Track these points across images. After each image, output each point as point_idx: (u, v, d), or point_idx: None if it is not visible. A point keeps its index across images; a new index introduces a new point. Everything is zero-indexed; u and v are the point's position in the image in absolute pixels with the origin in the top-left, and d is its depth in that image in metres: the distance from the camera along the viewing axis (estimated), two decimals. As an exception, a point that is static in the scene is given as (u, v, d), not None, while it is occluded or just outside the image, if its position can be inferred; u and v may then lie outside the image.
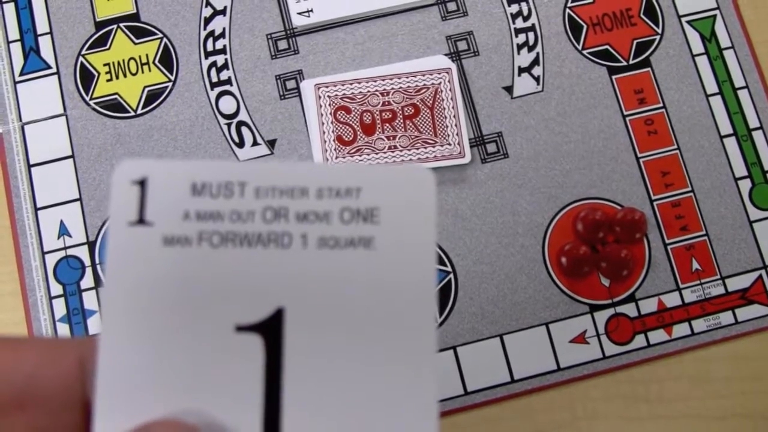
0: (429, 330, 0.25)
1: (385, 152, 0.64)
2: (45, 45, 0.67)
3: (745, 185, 0.66)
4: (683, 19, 0.68)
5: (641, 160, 0.66)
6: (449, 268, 0.64)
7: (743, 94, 0.67)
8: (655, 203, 0.65)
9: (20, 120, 0.66)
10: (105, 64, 0.67)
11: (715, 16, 0.69)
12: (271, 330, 0.25)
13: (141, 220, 0.28)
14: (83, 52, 0.67)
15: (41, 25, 0.68)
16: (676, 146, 0.66)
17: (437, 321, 0.24)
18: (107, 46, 0.67)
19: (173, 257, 0.26)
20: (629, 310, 0.64)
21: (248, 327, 0.26)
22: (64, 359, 0.30)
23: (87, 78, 0.67)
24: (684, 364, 0.63)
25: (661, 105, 0.67)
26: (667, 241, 0.65)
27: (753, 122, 0.67)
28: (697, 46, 0.68)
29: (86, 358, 0.30)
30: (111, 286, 0.27)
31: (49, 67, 0.67)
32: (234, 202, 0.27)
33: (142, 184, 0.27)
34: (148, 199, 0.27)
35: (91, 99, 0.66)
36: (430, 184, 0.27)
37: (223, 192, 0.27)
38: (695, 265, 0.64)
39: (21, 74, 0.67)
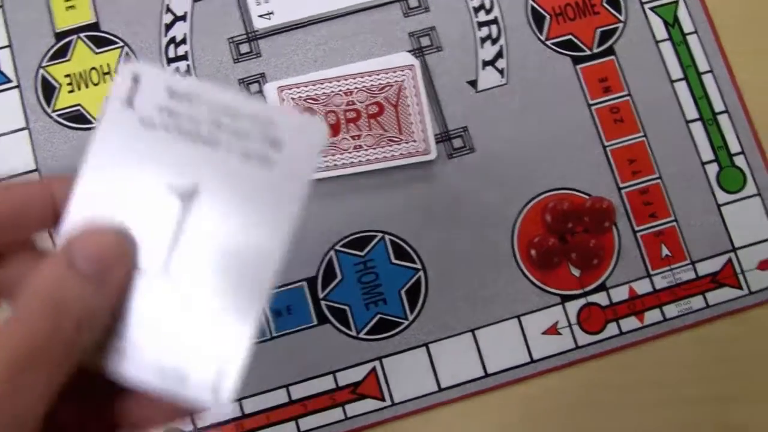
0: (291, 211, 0.38)
1: (350, 152, 0.64)
2: (4, 58, 0.67)
3: (713, 169, 0.66)
4: (646, 6, 0.68)
5: (608, 149, 0.66)
6: (419, 265, 0.64)
7: (708, 79, 0.67)
8: (623, 191, 0.65)
9: (-16, 135, 0.66)
10: (66, 76, 0.67)
11: (677, 2, 0.68)
12: (186, 196, 0.37)
13: (129, 103, 0.38)
14: (44, 64, 0.67)
15: (0, 39, 0.68)
16: (642, 133, 0.66)
17: (301, 202, 0.35)
18: (68, 57, 0.67)
19: (142, 132, 0.38)
20: (600, 299, 0.64)
21: (175, 188, 0.37)
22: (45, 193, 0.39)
23: (48, 90, 0.67)
24: (657, 350, 0.63)
25: (626, 93, 0.67)
26: (636, 229, 0.65)
27: (718, 106, 0.67)
28: (661, 32, 0.68)
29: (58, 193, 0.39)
30: (98, 137, 0.39)
31: (9, 81, 0.67)
32: (193, 109, 0.38)
33: (136, 79, 0.38)
34: (137, 91, 0.38)
35: (53, 111, 0.66)
36: (322, 132, 0.37)
37: (187, 100, 0.38)
38: (665, 251, 0.64)
39: (-18, 89, 0.67)
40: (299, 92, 0.65)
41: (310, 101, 0.65)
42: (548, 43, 0.68)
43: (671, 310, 0.64)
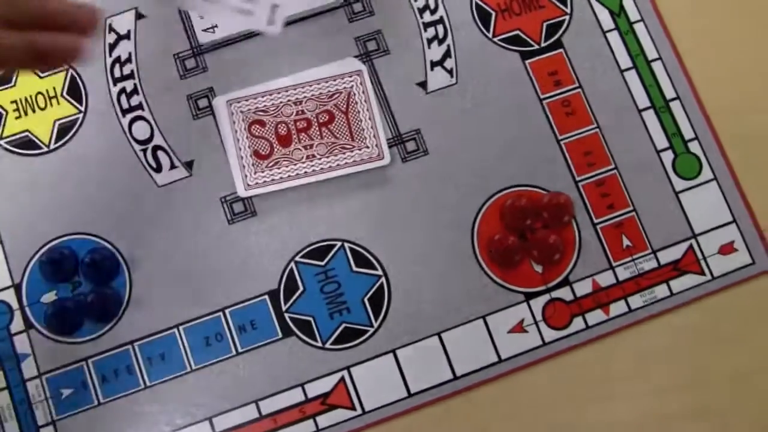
0: None
1: (303, 162, 0.63)
2: (-52, 89, 0.66)
3: (668, 157, 0.66)
4: (591, -3, 0.68)
5: (562, 143, 0.66)
6: (380, 272, 0.63)
7: (657, 66, 0.67)
8: (580, 184, 0.65)
9: (-69, 167, 0.65)
10: (12, 102, 0.66)
11: (622, -9, 0.69)
12: None
13: None
14: (-12, 91, 0.66)
15: (-58, 69, 0.66)
16: (595, 125, 0.66)
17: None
18: (12, 83, 0.66)
19: None
20: (564, 294, 0.63)
21: None
22: None
23: (-6, 118, 0.66)
24: (625, 342, 0.63)
25: (576, 85, 0.67)
26: (596, 221, 0.65)
27: (669, 93, 0.67)
28: (607, 22, 0.68)
29: None
30: None
31: (-46, 111, 0.66)
32: None
33: None
34: None
35: (1, 138, 0.65)
36: None
37: None
38: (626, 242, 0.64)
39: (-73, 121, 0.66)
40: (248, 105, 0.64)
41: (260, 113, 0.64)
42: (495, 39, 0.67)
43: (636, 300, 0.63)
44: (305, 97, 0.64)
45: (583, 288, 0.64)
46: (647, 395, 0.62)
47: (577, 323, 0.63)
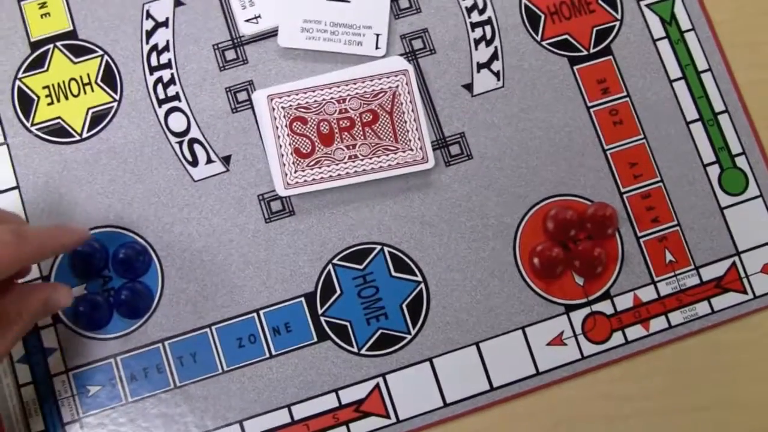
0: None
1: (345, 162, 0.62)
2: (-22, 70, 0.64)
3: (714, 171, 0.64)
4: (642, 3, 0.67)
5: (608, 152, 0.64)
6: (419, 278, 0.62)
7: (707, 78, 0.66)
8: (624, 196, 0.64)
9: (-42, 152, 0.63)
10: (44, 87, 0.64)
11: (674, -2, 0.67)
12: None
13: None
14: (20, 75, 0.64)
15: (-28, 49, 0.64)
16: (642, 135, 0.65)
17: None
18: (45, 68, 0.64)
19: None
20: (605, 307, 0.62)
21: None
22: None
23: (26, 103, 0.63)
24: (663, 358, 0.62)
25: (624, 94, 0.65)
26: (639, 234, 0.63)
27: (718, 106, 0.65)
28: (658, 30, 0.66)
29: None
30: None
31: (-16, 94, 0.64)
32: None
33: None
34: None
35: (32, 125, 0.63)
36: None
37: None
38: (669, 257, 0.63)
39: (-45, 102, 0.64)
40: (290, 101, 0.62)
41: (301, 110, 0.62)
42: (544, 43, 0.66)
43: (676, 317, 0.62)
44: (349, 95, 0.63)
45: (624, 302, 0.62)
46: (685, 413, 0.61)
47: (617, 338, 0.62)
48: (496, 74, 0.65)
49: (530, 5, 0.66)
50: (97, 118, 0.63)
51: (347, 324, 0.61)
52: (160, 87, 0.64)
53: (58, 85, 0.64)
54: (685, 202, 0.64)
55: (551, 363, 0.62)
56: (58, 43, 0.64)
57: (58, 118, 0.63)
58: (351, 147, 0.62)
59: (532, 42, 0.66)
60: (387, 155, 0.62)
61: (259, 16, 0.64)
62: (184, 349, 0.61)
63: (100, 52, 0.64)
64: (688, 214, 0.64)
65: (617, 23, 0.66)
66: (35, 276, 0.61)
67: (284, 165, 0.62)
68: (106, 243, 0.61)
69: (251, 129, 0.63)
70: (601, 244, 0.62)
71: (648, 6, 0.67)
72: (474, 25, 0.66)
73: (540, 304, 0.62)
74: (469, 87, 0.65)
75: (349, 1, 0.64)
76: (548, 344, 0.62)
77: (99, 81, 0.64)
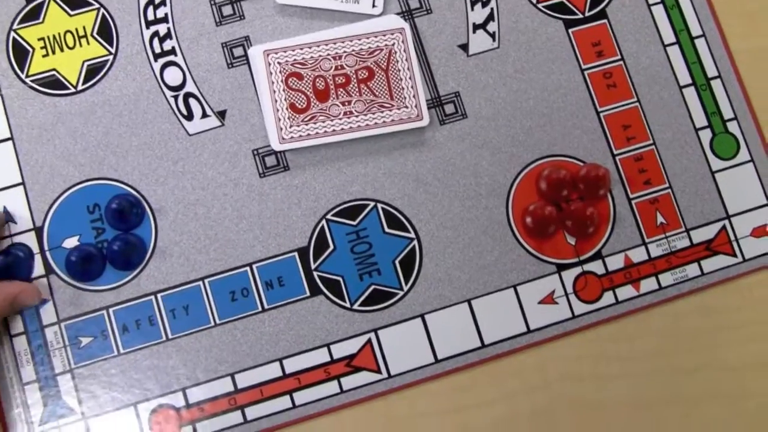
0: None
1: (340, 118, 0.62)
2: (-27, 20, 0.64)
3: (706, 135, 0.65)
4: (637, -32, 0.67)
5: (602, 115, 0.65)
6: (412, 234, 0.62)
7: (700, 43, 0.66)
8: (617, 158, 0.64)
9: (-48, 102, 0.63)
10: (39, 39, 0.63)
11: (668, -36, 0.67)
12: None
13: None
14: (14, 26, 0.63)
15: (-32, 0, 0.64)
16: (635, 99, 0.65)
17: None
18: (40, 19, 0.64)
19: None
20: (596, 267, 0.63)
21: None
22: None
23: (21, 54, 0.63)
24: (653, 319, 0.63)
25: (619, 57, 0.66)
26: (631, 196, 0.64)
27: (711, 71, 0.66)
28: (653, -5, 0.67)
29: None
30: None
31: (-20, 44, 0.64)
32: None
33: None
34: None
35: (27, 76, 0.63)
36: None
37: None
38: (660, 219, 0.64)
39: (-51, 53, 0.63)
40: (286, 56, 0.62)
41: (297, 65, 0.62)
42: (540, 6, 0.66)
43: (667, 278, 0.63)
44: (345, 52, 0.63)
45: (615, 263, 0.63)
46: (672, 374, 0.62)
47: (608, 298, 0.62)
48: (492, 35, 0.65)
49: (526, -32, 0.67)
50: (93, 71, 0.63)
51: (340, 279, 0.61)
52: (156, 41, 0.64)
53: (54, 37, 0.64)
54: (677, 165, 0.64)
55: (542, 321, 0.62)
56: (55, -5, 0.64)
57: (53, 70, 0.63)
58: (346, 103, 0.62)
59: (527, 4, 0.66)
60: (382, 112, 0.62)
61: (257, -28, 0.64)
62: (176, 302, 0.61)
63: (96, 5, 0.64)
64: (679, 177, 0.64)
65: (612, -13, 0.67)
66: (27, 227, 0.61)
67: (279, 120, 0.62)
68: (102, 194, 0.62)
69: (247, 84, 0.63)
70: (593, 204, 0.63)
71: (643, -29, 0.67)
72: (470, -14, 0.66)
73: (532, 263, 0.63)
74: (464, 47, 0.65)
75: (346, -41, 0.65)
76: (539, 303, 0.62)
77: (95, 34, 0.64)
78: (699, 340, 0.63)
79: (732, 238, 0.64)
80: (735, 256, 0.64)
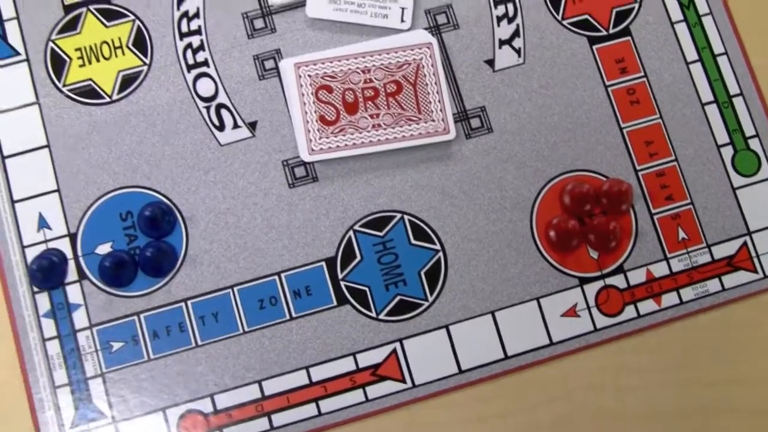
0: None
1: (369, 131, 0.63)
2: (12, 31, 0.65)
3: (728, 152, 0.66)
4: (661, -13, 0.68)
5: (625, 131, 0.66)
6: (438, 246, 0.63)
7: (723, 61, 0.67)
8: (640, 173, 0.65)
9: (-10, 110, 0.64)
10: (77, 49, 0.65)
11: (692, -17, 0.69)
12: None
13: None
14: (53, 37, 0.65)
15: (7, 10, 0.65)
16: (658, 115, 0.66)
17: None
18: (78, 30, 0.65)
19: None
20: (618, 281, 0.64)
21: None
22: None
23: (58, 64, 0.65)
24: (674, 333, 0.64)
25: (642, 74, 0.67)
26: (653, 211, 0.65)
27: (733, 89, 0.67)
28: (676, 13, 0.68)
29: None
30: None
31: (18, 54, 0.65)
32: None
33: None
34: None
35: (64, 86, 0.64)
36: None
37: None
38: (681, 234, 0.65)
39: (-12, 62, 0.65)
40: (316, 69, 0.64)
41: (327, 78, 0.64)
42: (565, 22, 0.67)
43: (688, 293, 0.64)
44: (374, 65, 0.64)
45: (637, 277, 0.64)
46: (693, 388, 0.63)
47: (629, 311, 0.63)
48: (518, 51, 0.66)
49: (552, -15, 0.68)
50: (128, 81, 0.65)
51: (366, 289, 0.63)
52: (189, 52, 0.65)
53: (90, 47, 0.65)
54: (699, 181, 0.65)
55: (565, 334, 0.63)
56: (92, 7, 0.66)
57: (89, 79, 0.65)
58: (375, 116, 0.63)
59: (553, 21, 0.67)
60: (409, 125, 0.64)
61: (288, -13, 0.66)
62: (206, 309, 0.62)
63: (132, 17, 0.66)
64: (701, 193, 0.65)
65: (636, 5, 0.68)
66: (62, 233, 0.63)
67: (309, 131, 0.63)
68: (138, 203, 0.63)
69: (277, 96, 0.65)
70: (615, 219, 0.64)
71: (667, -10, 0.68)
72: (497, 3, 0.67)
73: (555, 276, 0.64)
74: (490, 62, 0.66)
75: (376, -25, 0.66)
76: (562, 315, 0.63)
77: (130, 45, 0.65)
78: (719, 354, 0.64)
79: (753, 254, 0.65)
80: (756, 272, 0.65)
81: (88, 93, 0.64)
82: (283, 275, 0.63)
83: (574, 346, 0.63)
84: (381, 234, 0.63)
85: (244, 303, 0.62)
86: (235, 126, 0.64)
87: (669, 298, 0.64)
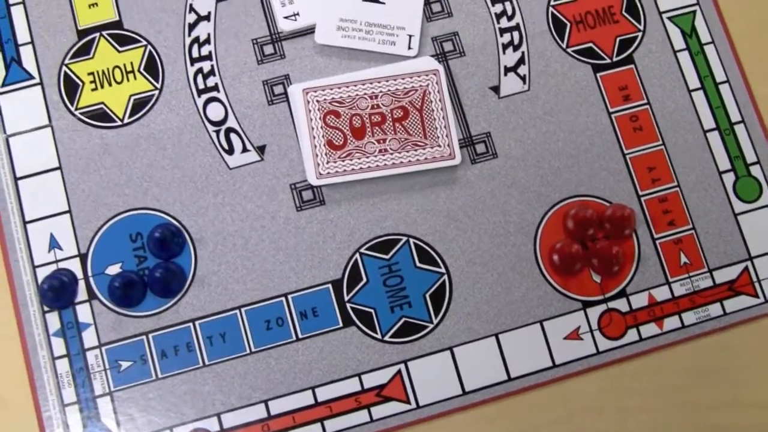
0: None
1: (375, 155, 0.64)
2: (27, 55, 0.66)
3: (729, 178, 0.67)
4: (664, 16, 0.69)
5: (628, 157, 0.67)
6: (443, 269, 0.64)
7: (724, 89, 0.68)
8: (642, 198, 0.66)
9: (4, 132, 0.65)
10: (89, 73, 0.66)
11: (695, 12, 0.70)
12: None
13: None
14: (66, 61, 0.66)
15: (22, 35, 0.67)
16: (661, 142, 0.67)
17: None
18: (91, 55, 0.67)
19: None
20: (621, 305, 0.64)
21: None
22: None
23: (71, 88, 0.66)
24: (676, 357, 0.64)
25: (645, 101, 0.68)
26: (656, 236, 0.66)
27: (735, 116, 0.68)
28: (679, 42, 0.69)
29: None
30: None
31: (32, 78, 0.66)
32: None
33: None
34: None
35: (76, 109, 0.66)
36: None
37: None
38: (683, 259, 0.65)
39: (3, 85, 0.66)
40: (324, 95, 0.65)
41: (335, 104, 0.65)
42: (569, 50, 0.68)
43: (689, 317, 0.65)
44: (381, 91, 0.65)
45: (639, 301, 0.65)
46: (695, 411, 0.63)
47: (631, 335, 0.64)
48: (523, 78, 0.68)
49: (557, 13, 0.69)
50: (139, 105, 0.66)
51: (372, 311, 0.63)
52: (200, 77, 0.66)
53: (103, 72, 0.66)
54: (701, 207, 0.66)
55: (567, 356, 0.64)
56: (104, 32, 0.67)
57: (101, 103, 0.66)
58: (381, 141, 0.65)
59: (557, 48, 0.68)
60: (416, 150, 0.65)
61: (298, 14, 0.67)
62: (213, 329, 0.63)
63: (144, 42, 0.67)
64: (703, 219, 0.66)
65: (640, 34, 0.69)
66: (72, 253, 0.64)
67: (317, 156, 0.64)
68: (147, 224, 0.64)
69: (286, 121, 0.66)
70: (618, 243, 0.65)
71: (670, 19, 0.69)
72: (503, 31, 0.68)
73: (558, 300, 0.64)
74: (496, 89, 0.67)
75: (384, 3, 0.67)
76: (565, 338, 0.64)
77: (142, 69, 0.67)
78: (720, 378, 0.64)
79: (754, 279, 0.65)
80: (757, 296, 0.65)
81: (100, 116, 0.66)
82: (290, 297, 0.63)
83: (576, 368, 0.63)
84: (387, 257, 0.64)
85: (251, 324, 0.63)
86: (244, 150, 0.65)
87: (671, 322, 0.64)
